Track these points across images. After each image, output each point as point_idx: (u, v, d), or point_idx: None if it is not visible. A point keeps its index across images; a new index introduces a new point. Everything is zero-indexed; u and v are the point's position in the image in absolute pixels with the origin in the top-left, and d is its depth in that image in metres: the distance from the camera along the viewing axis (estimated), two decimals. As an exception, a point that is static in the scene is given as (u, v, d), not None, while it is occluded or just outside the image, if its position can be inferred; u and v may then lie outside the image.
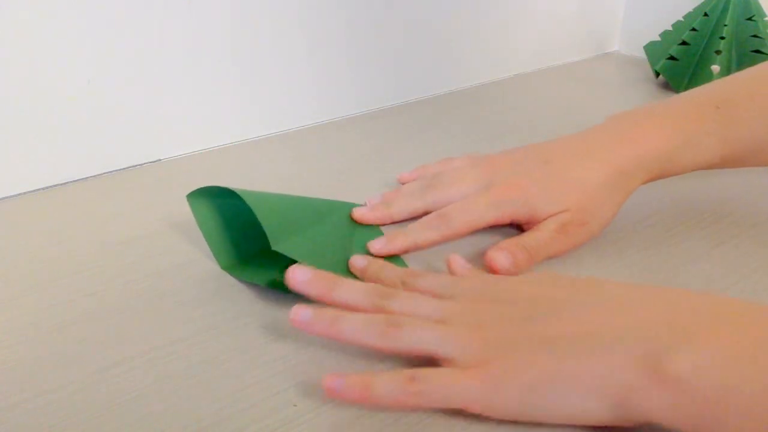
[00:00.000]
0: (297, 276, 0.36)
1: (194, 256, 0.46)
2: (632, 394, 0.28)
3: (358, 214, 0.47)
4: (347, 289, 0.36)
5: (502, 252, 0.42)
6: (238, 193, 0.41)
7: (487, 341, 0.31)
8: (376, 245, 0.44)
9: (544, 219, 0.44)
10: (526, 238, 0.43)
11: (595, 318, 0.31)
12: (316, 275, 0.36)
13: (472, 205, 0.45)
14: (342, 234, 0.45)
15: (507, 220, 0.45)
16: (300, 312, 0.34)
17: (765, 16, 0.77)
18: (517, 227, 0.47)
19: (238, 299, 0.41)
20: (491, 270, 0.41)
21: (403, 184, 0.52)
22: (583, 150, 0.45)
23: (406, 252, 0.44)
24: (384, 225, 0.48)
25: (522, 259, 0.41)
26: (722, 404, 0.26)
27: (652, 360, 0.28)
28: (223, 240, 0.45)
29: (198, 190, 0.44)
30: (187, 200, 0.44)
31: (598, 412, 0.29)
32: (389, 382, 0.30)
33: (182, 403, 0.33)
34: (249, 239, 0.44)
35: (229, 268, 0.44)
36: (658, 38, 0.84)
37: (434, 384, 0.30)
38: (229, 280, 0.43)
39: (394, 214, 0.47)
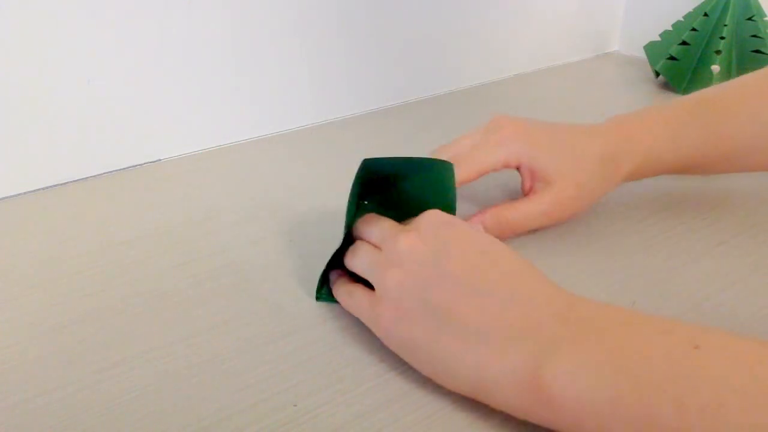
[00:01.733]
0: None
1: (194, 256, 0.46)
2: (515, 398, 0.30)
3: None
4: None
5: (477, 220, 0.46)
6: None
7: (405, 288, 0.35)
8: None
9: (542, 179, 0.45)
10: (512, 210, 0.46)
11: (488, 310, 0.32)
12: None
13: (481, 146, 0.46)
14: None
15: (514, 162, 0.46)
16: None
17: (765, 16, 0.77)
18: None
19: (238, 299, 0.41)
20: None
21: None
22: (583, 131, 0.47)
23: None
24: None
25: (493, 233, 0.43)
26: (578, 414, 0.28)
27: (531, 369, 0.29)
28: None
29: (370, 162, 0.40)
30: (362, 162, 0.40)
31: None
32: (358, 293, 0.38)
33: (182, 403, 0.33)
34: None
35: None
36: (658, 38, 0.84)
37: (356, 299, 0.37)
38: (229, 280, 0.43)
39: None
